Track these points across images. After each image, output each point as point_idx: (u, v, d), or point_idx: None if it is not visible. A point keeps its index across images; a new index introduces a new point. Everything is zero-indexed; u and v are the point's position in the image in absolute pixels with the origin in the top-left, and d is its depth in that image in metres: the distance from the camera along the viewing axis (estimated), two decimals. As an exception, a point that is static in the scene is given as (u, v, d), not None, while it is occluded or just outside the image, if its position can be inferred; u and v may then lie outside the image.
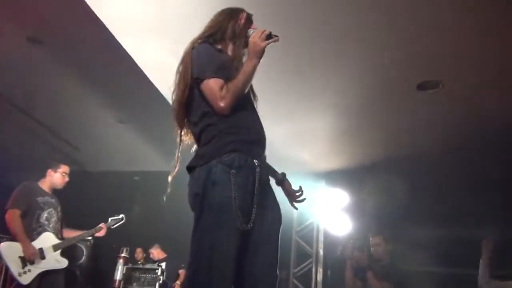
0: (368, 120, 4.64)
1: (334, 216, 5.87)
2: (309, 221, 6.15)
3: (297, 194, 2.27)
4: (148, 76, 4.08)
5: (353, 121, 4.70)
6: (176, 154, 2.10)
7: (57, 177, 4.12)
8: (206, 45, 2.03)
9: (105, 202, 6.17)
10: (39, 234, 3.86)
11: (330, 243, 5.96)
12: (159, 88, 4.14)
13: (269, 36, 1.92)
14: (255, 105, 2.11)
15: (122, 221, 4.46)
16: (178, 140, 2.09)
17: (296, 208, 2.30)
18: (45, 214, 3.93)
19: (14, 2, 3.61)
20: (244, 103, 1.97)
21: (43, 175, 4.13)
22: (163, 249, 6.75)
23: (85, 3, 3.24)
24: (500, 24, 3.18)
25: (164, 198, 2.13)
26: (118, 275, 5.91)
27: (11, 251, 3.74)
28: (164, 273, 5.55)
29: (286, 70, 3.93)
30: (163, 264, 5.83)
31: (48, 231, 3.91)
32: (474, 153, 5.01)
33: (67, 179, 4.17)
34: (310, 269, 5.89)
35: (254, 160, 1.88)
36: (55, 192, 4.15)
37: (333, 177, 5.88)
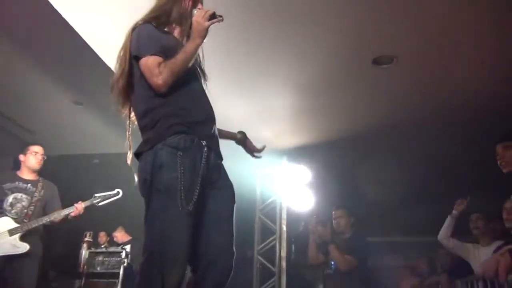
0: (327, 96, 4.66)
1: (296, 192, 5.94)
2: (271, 199, 6.19)
3: (259, 150, 2.40)
4: (101, 56, 3.96)
5: (313, 98, 4.71)
6: (127, 134, 2.07)
7: (28, 158, 4.07)
8: (148, 25, 1.99)
9: (65, 187, 6.02)
10: None
11: (293, 219, 6.05)
12: (113, 68, 4.01)
13: (213, 16, 1.89)
14: (204, 85, 2.07)
15: (118, 196, 4.15)
16: (127, 121, 2.07)
17: (258, 157, 2.40)
18: (9, 199, 3.88)
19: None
20: (189, 84, 1.94)
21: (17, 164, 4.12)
22: (127, 231, 6.67)
23: None
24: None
25: (136, 183, 2.03)
26: (82, 260, 5.83)
27: None
28: (129, 256, 5.48)
29: (245, 49, 3.91)
30: (128, 247, 5.76)
31: (7, 216, 3.82)
32: (430, 128, 5.15)
33: (40, 157, 4.11)
34: (274, 245, 5.96)
35: (202, 141, 1.87)
36: (42, 175, 4.14)
37: (294, 153, 5.91)
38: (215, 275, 1.86)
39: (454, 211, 4.26)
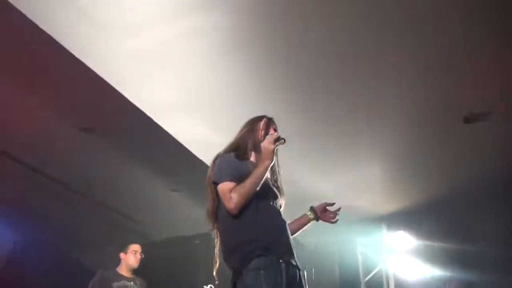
0: (418, 159, 4.46)
1: (402, 261, 5.58)
2: (376, 269, 5.86)
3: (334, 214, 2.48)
4: (189, 148, 4.27)
5: (403, 165, 4.57)
6: (215, 252, 2.22)
7: (129, 257, 4.23)
8: (228, 154, 2.23)
9: (173, 269, 6.26)
10: None
11: (403, 289, 5.63)
12: (199, 157, 4.32)
13: (278, 139, 2.10)
14: (281, 202, 2.26)
15: None
16: (216, 239, 2.24)
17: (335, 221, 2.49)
18: None
19: (65, 96, 3.92)
20: (262, 204, 2.09)
21: (118, 261, 4.28)
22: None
23: (123, 96, 3.51)
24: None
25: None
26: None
27: None
28: None
29: (326, 125, 3.97)
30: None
31: None
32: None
33: (139, 256, 4.26)
34: (386, 318, 5.55)
35: (279, 259, 1.99)
36: (137, 273, 4.27)
37: (393, 220, 5.65)
38: None
39: None
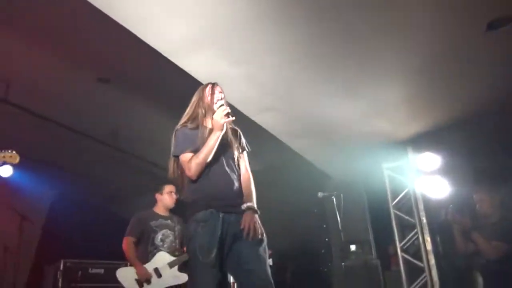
0: (441, 75, 4.29)
1: (429, 181, 5.58)
2: (404, 191, 5.90)
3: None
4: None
5: (426, 81, 4.38)
6: None
7: (165, 198, 4.41)
8: (181, 129, 2.61)
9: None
10: (154, 255, 4.12)
11: (433, 208, 5.67)
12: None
13: (228, 115, 2.45)
14: (235, 152, 2.63)
15: None
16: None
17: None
18: (159, 236, 4.21)
19: (82, 46, 3.94)
20: (211, 170, 2.49)
21: (153, 201, 4.47)
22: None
23: (137, 37, 3.50)
24: None
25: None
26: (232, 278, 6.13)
27: (127, 275, 4.06)
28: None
29: (347, 46, 3.84)
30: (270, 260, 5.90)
31: (162, 250, 4.15)
32: None
33: (175, 196, 4.43)
34: (418, 239, 5.64)
35: (219, 212, 2.40)
36: (173, 211, 4.44)
37: (418, 141, 5.58)
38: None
39: None
